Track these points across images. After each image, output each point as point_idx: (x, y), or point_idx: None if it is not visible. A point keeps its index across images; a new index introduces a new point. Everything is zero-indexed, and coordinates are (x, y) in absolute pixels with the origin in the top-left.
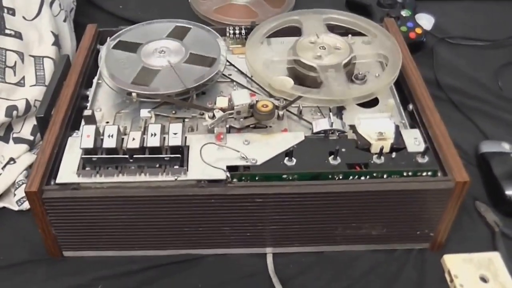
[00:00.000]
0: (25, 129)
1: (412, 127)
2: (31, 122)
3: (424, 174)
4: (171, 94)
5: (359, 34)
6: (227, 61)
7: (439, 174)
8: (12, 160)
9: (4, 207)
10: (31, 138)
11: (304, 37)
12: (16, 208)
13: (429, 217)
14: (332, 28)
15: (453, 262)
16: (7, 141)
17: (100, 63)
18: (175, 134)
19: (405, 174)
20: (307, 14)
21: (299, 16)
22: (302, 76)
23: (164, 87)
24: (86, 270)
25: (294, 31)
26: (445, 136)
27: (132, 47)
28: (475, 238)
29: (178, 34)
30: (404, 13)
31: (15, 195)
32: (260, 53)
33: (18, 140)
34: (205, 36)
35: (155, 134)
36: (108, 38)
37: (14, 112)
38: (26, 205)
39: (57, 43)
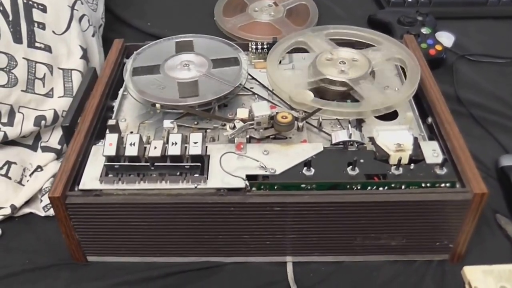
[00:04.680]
0: (53, 138)
1: (431, 139)
2: (59, 132)
3: (443, 185)
4: (194, 106)
5: (366, 45)
6: (249, 74)
7: (457, 185)
8: (39, 167)
9: (31, 213)
10: (59, 147)
11: (321, 54)
12: (42, 214)
13: (448, 228)
14: (344, 44)
15: (473, 273)
16: (35, 150)
17: (126, 76)
18: (195, 143)
19: (423, 185)
20: (307, 33)
21: (303, 37)
22: (323, 90)
23: (212, 93)
24: (108, 275)
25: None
26: (464, 148)
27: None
28: (495, 251)
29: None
30: (424, 30)
31: (41, 201)
32: (281, 68)
33: (45, 149)
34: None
35: (176, 143)
36: (134, 52)
37: (43, 122)
38: (52, 211)
39: (85, 56)
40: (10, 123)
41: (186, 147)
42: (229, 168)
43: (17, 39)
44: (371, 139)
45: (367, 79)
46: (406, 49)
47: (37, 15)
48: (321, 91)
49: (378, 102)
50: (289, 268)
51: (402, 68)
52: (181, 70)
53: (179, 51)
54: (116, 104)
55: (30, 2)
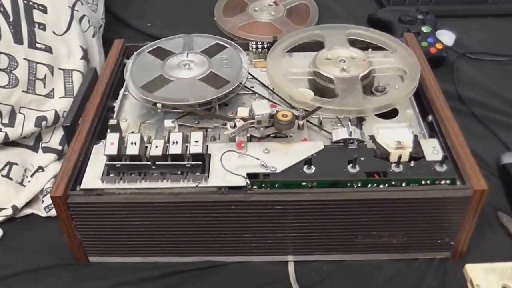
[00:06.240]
0: (54, 139)
1: (431, 137)
2: (60, 133)
3: (443, 182)
4: (195, 105)
5: (380, 48)
6: (250, 74)
7: (457, 182)
8: (40, 168)
9: (32, 213)
10: (60, 147)
11: (324, 51)
12: (44, 214)
13: (449, 226)
14: (354, 43)
15: (475, 271)
16: (36, 150)
17: (126, 76)
18: (196, 142)
19: (423, 182)
20: (329, 29)
21: (321, 30)
22: (322, 88)
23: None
24: (110, 275)
25: (315, 46)
26: (464, 145)
27: (165, 54)
28: (497, 248)
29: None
30: (424, 29)
31: (43, 201)
32: (281, 66)
33: (47, 150)
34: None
35: (177, 142)
36: (135, 52)
37: (43, 123)
38: (53, 212)
39: (85, 57)
40: (11, 124)
41: (187, 146)
42: (230, 166)
43: (18, 39)
44: (372, 137)
45: (355, 81)
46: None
47: (37, 15)
48: (321, 89)
49: (350, 105)
50: (291, 267)
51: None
52: (182, 69)
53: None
54: (116, 104)
55: (31, 3)
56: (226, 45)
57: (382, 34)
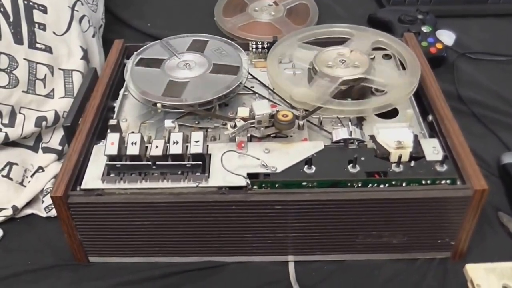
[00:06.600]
0: (54, 139)
1: (431, 137)
2: (60, 133)
3: (443, 182)
4: (195, 105)
5: (380, 49)
6: (250, 74)
7: (458, 182)
8: (40, 168)
9: (32, 214)
10: (60, 148)
11: (327, 49)
12: (44, 214)
13: (449, 226)
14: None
15: (475, 271)
16: (36, 151)
17: (126, 76)
18: (196, 142)
19: (424, 182)
20: (358, 29)
21: (351, 29)
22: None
23: (194, 98)
24: (110, 275)
25: (316, 46)
26: (464, 145)
27: (155, 62)
28: (497, 248)
29: (199, 48)
30: (424, 29)
31: (43, 202)
32: (282, 66)
33: (47, 150)
34: (226, 47)
35: (177, 142)
36: (135, 53)
37: (44, 123)
38: (53, 212)
39: (85, 57)
40: (11, 124)
41: (187, 146)
42: (230, 166)
43: (18, 40)
44: (372, 137)
45: (334, 81)
46: (405, 45)
47: (37, 16)
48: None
49: (378, 100)
50: (291, 267)
51: (403, 67)
52: (182, 69)
53: (190, 49)
54: (117, 104)
55: (31, 3)
56: (207, 39)
57: (331, 26)
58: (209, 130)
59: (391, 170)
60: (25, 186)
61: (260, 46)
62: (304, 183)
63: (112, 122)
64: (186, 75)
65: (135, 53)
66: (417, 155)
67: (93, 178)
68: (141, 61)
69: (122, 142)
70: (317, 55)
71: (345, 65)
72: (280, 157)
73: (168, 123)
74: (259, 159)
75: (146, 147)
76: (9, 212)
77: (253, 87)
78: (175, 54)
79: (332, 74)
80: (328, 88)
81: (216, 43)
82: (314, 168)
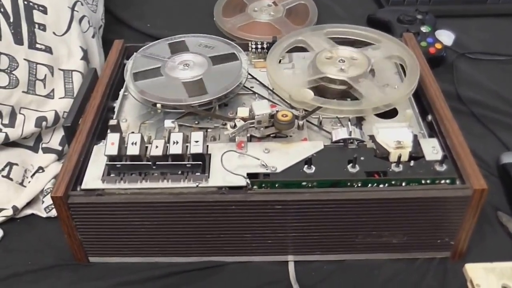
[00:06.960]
0: (54, 140)
1: (431, 137)
2: (60, 133)
3: (443, 182)
4: (195, 105)
5: (365, 44)
6: (249, 74)
7: (457, 182)
8: (40, 169)
9: (33, 214)
10: (60, 148)
11: (320, 52)
12: (44, 215)
13: (449, 225)
14: (343, 43)
15: (475, 271)
16: (36, 151)
17: (126, 77)
18: (196, 142)
19: (423, 182)
20: (306, 32)
21: (302, 36)
22: (323, 89)
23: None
24: (110, 275)
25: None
26: (463, 145)
27: (152, 72)
28: (497, 248)
29: (182, 48)
30: (424, 29)
31: (43, 202)
32: (281, 67)
33: (47, 150)
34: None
35: (177, 142)
36: (135, 52)
37: (44, 123)
38: (53, 212)
39: (85, 57)
40: (11, 124)
41: (187, 146)
42: (230, 166)
43: (18, 40)
44: (371, 137)
45: (367, 77)
46: (405, 46)
47: (37, 16)
48: (321, 89)
49: (377, 100)
50: (291, 267)
51: (402, 66)
52: (182, 70)
53: (174, 53)
54: (117, 104)
55: (31, 4)
56: (182, 39)
57: (361, 28)
58: (209, 130)
59: (390, 170)
60: (25, 186)
61: (259, 46)
62: (304, 183)
63: (112, 122)
64: (194, 73)
65: (135, 53)
66: (417, 155)
67: (93, 178)
68: (137, 76)
69: (122, 142)
70: (313, 68)
71: (340, 65)
72: (280, 157)
73: (168, 123)
74: (259, 159)
75: (146, 147)
76: (9, 212)
77: (252, 87)
78: (166, 59)
79: (319, 67)
80: (308, 76)
81: (193, 40)
82: (314, 168)
